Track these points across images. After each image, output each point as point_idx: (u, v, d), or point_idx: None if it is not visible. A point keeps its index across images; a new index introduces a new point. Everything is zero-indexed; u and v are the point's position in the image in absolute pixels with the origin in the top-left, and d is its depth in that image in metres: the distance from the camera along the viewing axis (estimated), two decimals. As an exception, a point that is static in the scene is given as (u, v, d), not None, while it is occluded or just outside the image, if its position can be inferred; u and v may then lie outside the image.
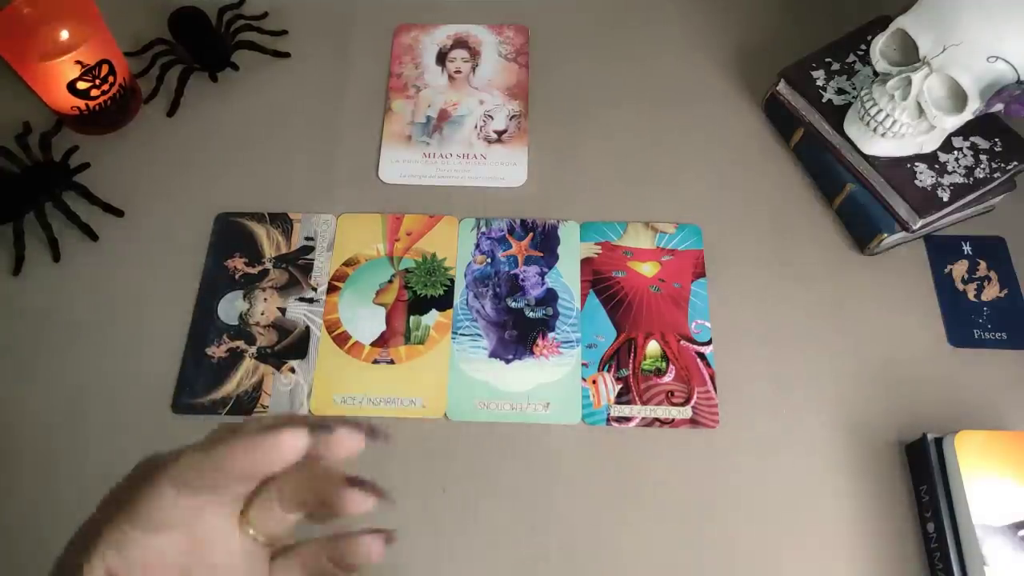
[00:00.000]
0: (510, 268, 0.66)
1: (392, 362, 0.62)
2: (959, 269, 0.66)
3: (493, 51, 0.77)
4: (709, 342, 0.63)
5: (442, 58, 0.77)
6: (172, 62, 0.75)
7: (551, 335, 0.63)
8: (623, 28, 0.79)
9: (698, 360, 0.62)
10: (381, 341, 0.63)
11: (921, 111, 0.59)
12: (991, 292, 0.65)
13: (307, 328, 0.64)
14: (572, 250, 0.67)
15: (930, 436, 0.56)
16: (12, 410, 0.60)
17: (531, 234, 0.67)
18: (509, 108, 0.74)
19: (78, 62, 0.65)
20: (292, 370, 0.62)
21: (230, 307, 0.64)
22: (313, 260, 0.66)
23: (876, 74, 0.63)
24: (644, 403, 0.60)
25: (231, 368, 0.62)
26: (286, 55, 0.77)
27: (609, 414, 0.60)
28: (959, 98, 0.58)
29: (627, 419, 0.60)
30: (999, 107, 0.57)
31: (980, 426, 0.58)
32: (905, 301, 0.65)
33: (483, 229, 0.68)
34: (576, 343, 0.63)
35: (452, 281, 0.65)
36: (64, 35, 0.65)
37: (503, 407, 0.60)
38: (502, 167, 0.71)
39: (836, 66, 0.69)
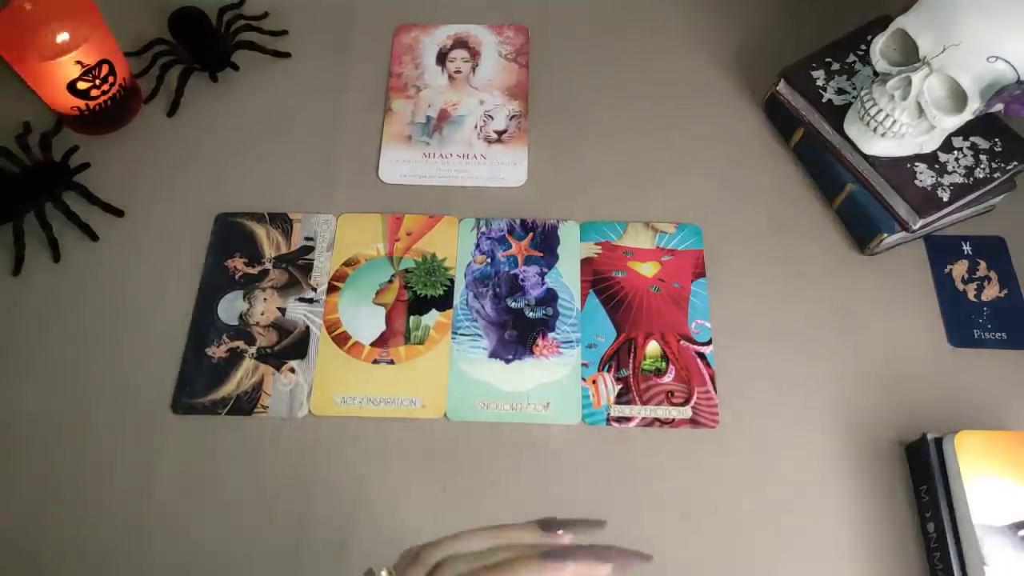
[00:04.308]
0: (510, 268, 0.66)
1: (392, 362, 0.62)
2: (959, 269, 0.66)
3: (493, 51, 0.77)
4: (709, 342, 0.63)
5: (442, 58, 0.77)
6: (172, 62, 0.75)
7: (551, 335, 0.63)
8: (623, 28, 0.79)
9: (698, 360, 0.62)
10: (381, 341, 0.63)
11: (921, 111, 0.59)
12: (991, 292, 0.65)
13: (307, 328, 0.64)
14: (572, 250, 0.67)
15: (930, 436, 0.56)
16: (12, 410, 0.60)
17: (531, 234, 0.67)
18: (509, 108, 0.74)
19: (78, 62, 0.65)
20: (292, 370, 0.62)
21: (230, 307, 0.64)
22: (313, 260, 0.66)
23: (876, 74, 0.63)
24: (644, 403, 0.60)
25: (231, 368, 0.62)
26: (286, 55, 0.77)
27: (609, 414, 0.60)
28: (959, 98, 0.58)
29: (627, 419, 0.60)
30: (999, 107, 0.57)
31: (980, 426, 0.58)
32: (905, 301, 0.65)
33: (483, 229, 0.68)
34: (576, 343, 0.63)
35: (452, 281, 0.65)
36: (64, 35, 0.65)
37: (503, 407, 0.60)
38: (502, 167, 0.71)
39: (836, 66, 0.69)
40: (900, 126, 0.61)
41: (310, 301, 0.65)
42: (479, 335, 0.63)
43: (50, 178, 0.68)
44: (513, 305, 0.64)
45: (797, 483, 0.58)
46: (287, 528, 0.56)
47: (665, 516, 0.57)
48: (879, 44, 0.62)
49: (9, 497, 0.57)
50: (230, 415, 0.60)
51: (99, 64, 0.66)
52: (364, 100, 0.74)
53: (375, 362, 0.62)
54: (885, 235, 0.64)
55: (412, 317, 0.64)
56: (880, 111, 0.61)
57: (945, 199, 0.62)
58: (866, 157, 0.64)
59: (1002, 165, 0.63)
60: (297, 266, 0.66)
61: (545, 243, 0.67)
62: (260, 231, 0.68)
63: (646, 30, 0.79)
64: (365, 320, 0.64)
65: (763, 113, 0.73)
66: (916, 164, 0.63)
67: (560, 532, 0.37)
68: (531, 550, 0.35)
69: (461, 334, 0.63)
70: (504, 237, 0.67)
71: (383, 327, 0.64)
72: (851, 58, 0.69)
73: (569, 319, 0.64)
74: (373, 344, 0.63)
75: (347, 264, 0.66)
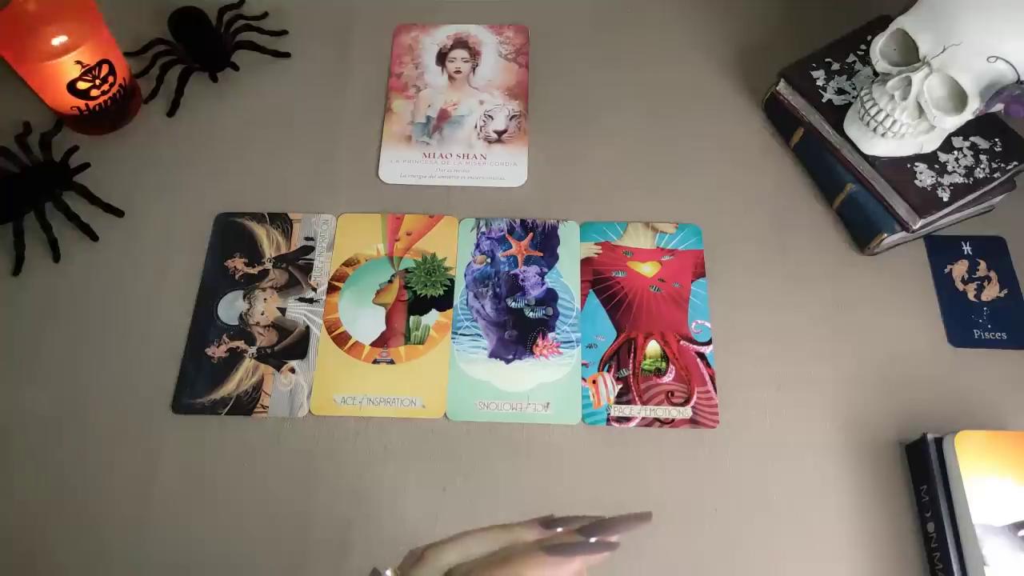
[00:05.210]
0: (510, 268, 0.66)
1: (392, 362, 0.62)
2: (959, 269, 0.66)
3: (493, 51, 0.77)
4: (709, 342, 0.63)
5: (442, 58, 0.77)
6: (172, 62, 0.75)
7: (551, 335, 0.63)
8: (623, 28, 0.79)
9: (698, 360, 0.62)
10: (381, 341, 0.63)
11: (921, 111, 0.59)
12: (991, 292, 0.65)
13: (307, 328, 0.64)
14: (572, 250, 0.67)
15: (930, 436, 0.56)
16: (12, 410, 0.60)
17: (531, 234, 0.67)
18: (509, 108, 0.74)
19: (78, 62, 0.65)
20: (292, 370, 0.62)
21: (230, 307, 0.64)
22: (313, 260, 0.66)
23: (876, 74, 0.63)
24: (644, 403, 0.60)
25: (231, 368, 0.62)
26: (286, 55, 0.77)
27: (609, 414, 0.60)
28: (959, 98, 0.58)
29: (627, 419, 0.60)
30: (999, 107, 0.57)
31: (980, 426, 0.58)
32: (905, 301, 0.65)
33: (483, 229, 0.68)
34: (576, 343, 0.63)
35: (452, 281, 0.65)
36: (64, 35, 0.65)
37: (503, 407, 0.60)
38: (502, 167, 0.71)
39: (836, 66, 0.69)
40: (900, 126, 0.61)
41: (310, 301, 0.65)
42: (479, 335, 0.63)
43: (50, 178, 0.68)
44: (513, 305, 0.64)
45: (797, 483, 0.58)
46: (287, 528, 0.56)
47: (665, 516, 0.57)
48: (879, 44, 0.62)
49: (9, 497, 0.57)
50: (230, 415, 0.60)
51: (99, 64, 0.66)
52: (364, 100, 0.74)
53: (375, 362, 0.62)
54: (885, 235, 0.64)
55: (412, 317, 0.64)
56: (880, 111, 0.61)
57: (945, 199, 0.62)
58: (866, 157, 0.64)
59: (1002, 165, 0.63)
60: (297, 266, 0.66)
61: (545, 243, 0.67)
62: (260, 231, 0.68)
63: (646, 30, 0.79)
64: (365, 320, 0.64)
65: (763, 113, 0.73)
66: (916, 164, 0.63)
67: (560, 530, 0.37)
68: (534, 545, 0.35)
69: (461, 334, 0.63)
70: (504, 237, 0.67)
71: (383, 327, 0.64)
72: (851, 58, 0.69)
73: (569, 319, 0.64)
74: (373, 344, 0.63)
75: (347, 264, 0.66)
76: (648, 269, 0.66)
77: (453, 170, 0.71)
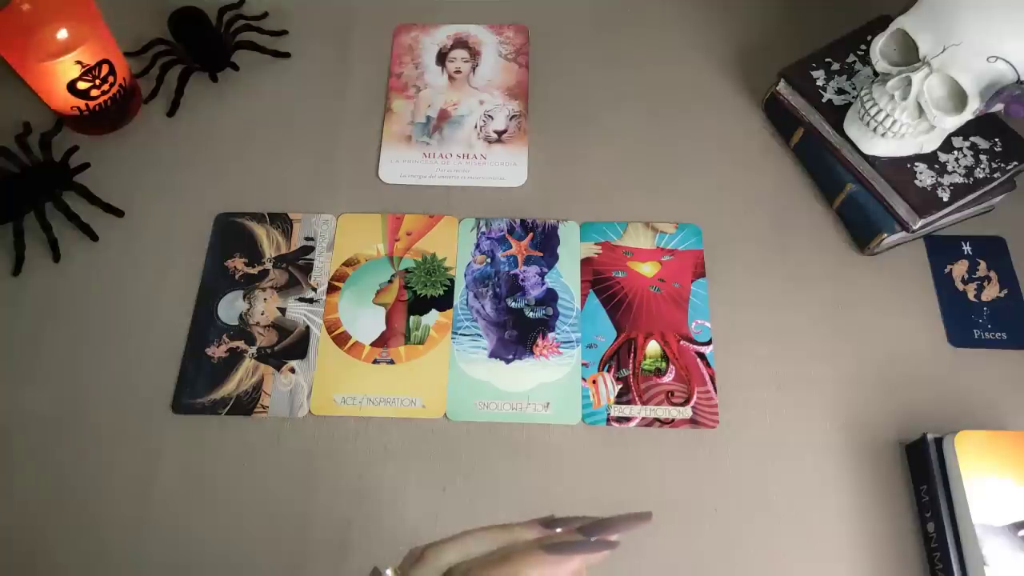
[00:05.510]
0: (510, 268, 0.66)
1: (392, 362, 0.62)
2: (959, 269, 0.66)
3: (493, 51, 0.77)
4: (709, 342, 0.63)
5: (442, 58, 0.77)
6: (172, 62, 0.75)
7: (551, 335, 0.63)
8: (623, 28, 0.79)
9: (698, 360, 0.62)
10: (381, 341, 0.63)
11: (921, 111, 0.59)
12: (991, 292, 0.65)
13: (307, 328, 0.64)
14: (572, 250, 0.67)
15: (930, 436, 0.56)
16: (12, 410, 0.60)
17: (531, 234, 0.67)
18: (509, 108, 0.74)
19: (78, 62, 0.65)
20: (292, 370, 0.62)
21: (230, 307, 0.64)
22: (313, 260, 0.66)
23: (876, 74, 0.63)
24: (644, 403, 0.60)
25: (231, 368, 0.62)
26: (286, 55, 0.77)
27: (609, 414, 0.60)
28: (959, 98, 0.58)
29: (627, 419, 0.60)
30: (999, 107, 0.57)
31: (980, 426, 0.58)
32: (905, 301, 0.65)
33: (483, 229, 0.68)
34: (576, 343, 0.63)
35: (452, 281, 0.65)
36: (64, 35, 0.65)
37: (503, 407, 0.60)
38: (502, 167, 0.71)
39: (836, 66, 0.69)
40: (900, 126, 0.61)
41: (310, 301, 0.65)
42: (479, 335, 0.63)
43: (50, 178, 0.68)
44: (513, 305, 0.64)
45: (797, 483, 0.58)
46: (287, 528, 0.56)
47: (665, 516, 0.57)
48: (879, 44, 0.62)
49: (9, 497, 0.57)
50: (230, 415, 0.60)
51: (99, 64, 0.67)
52: (364, 100, 0.74)
53: (375, 362, 0.62)
54: (885, 235, 0.64)
55: (412, 317, 0.64)
56: (880, 111, 0.61)
57: (945, 199, 0.62)
58: (866, 157, 0.64)
59: (1002, 165, 0.63)
60: (297, 266, 0.66)
61: (545, 243, 0.67)
62: (260, 231, 0.68)
63: (646, 30, 0.79)
64: (365, 320, 0.64)
65: (763, 113, 0.73)
66: (916, 164, 0.63)
67: (560, 530, 0.37)
68: (534, 543, 0.35)
69: (461, 334, 0.63)
70: (504, 237, 0.67)
71: (383, 327, 0.64)
72: (851, 58, 0.69)
73: (569, 319, 0.64)
74: (373, 344, 0.63)
75: (347, 264, 0.66)
76: (648, 269, 0.66)
77: (453, 170, 0.71)
